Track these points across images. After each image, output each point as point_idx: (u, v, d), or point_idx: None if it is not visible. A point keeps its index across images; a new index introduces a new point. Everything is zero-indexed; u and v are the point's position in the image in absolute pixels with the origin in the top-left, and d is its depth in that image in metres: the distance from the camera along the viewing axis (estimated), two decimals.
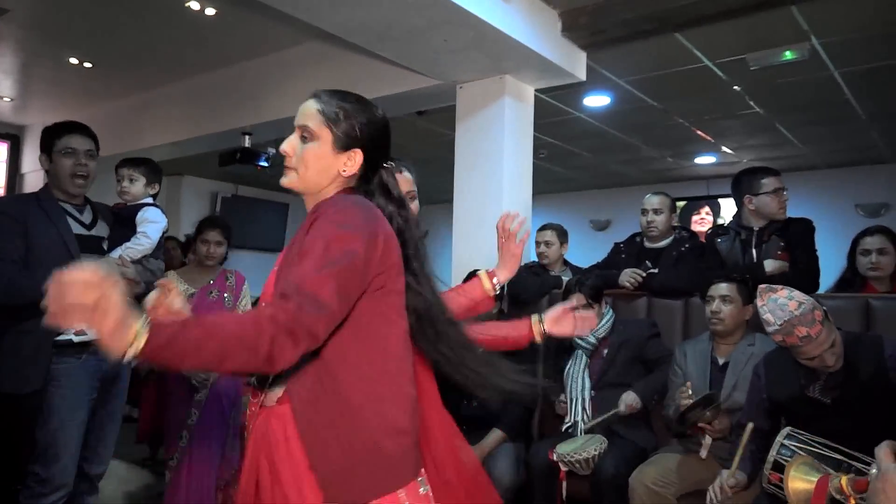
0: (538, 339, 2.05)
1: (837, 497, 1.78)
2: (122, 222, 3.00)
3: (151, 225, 2.99)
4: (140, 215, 3.01)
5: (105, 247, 2.87)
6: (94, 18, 4.53)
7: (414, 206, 2.11)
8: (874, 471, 1.11)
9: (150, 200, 3.15)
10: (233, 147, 5.75)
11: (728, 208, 8.14)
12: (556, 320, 2.07)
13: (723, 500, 2.51)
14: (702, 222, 8.38)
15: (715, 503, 2.52)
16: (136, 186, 3.14)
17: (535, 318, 2.06)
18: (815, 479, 1.86)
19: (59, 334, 2.57)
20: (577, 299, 3.28)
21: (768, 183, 3.45)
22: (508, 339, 2.04)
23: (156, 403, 4.20)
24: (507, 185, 3.97)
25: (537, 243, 4.16)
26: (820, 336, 2.29)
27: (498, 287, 2.11)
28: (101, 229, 2.89)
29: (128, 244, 2.90)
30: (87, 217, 2.84)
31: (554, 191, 9.22)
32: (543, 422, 3.65)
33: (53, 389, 2.58)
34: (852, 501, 1.67)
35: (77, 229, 2.75)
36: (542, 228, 4.16)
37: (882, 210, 7.45)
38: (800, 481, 1.95)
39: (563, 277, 3.87)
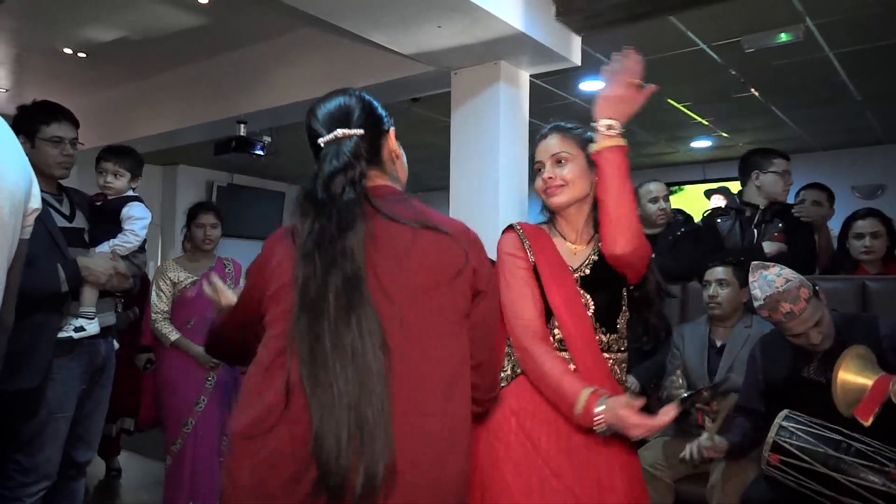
0: None
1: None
2: (106, 216, 2.89)
3: (139, 221, 2.90)
4: (125, 211, 2.90)
5: (86, 238, 2.77)
6: (88, 9, 4.50)
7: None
8: None
9: (132, 194, 3.02)
10: (228, 136, 5.75)
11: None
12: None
13: (699, 461, 2.58)
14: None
15: (695, 460, 2.58)
16: (121, 182, 2.97)
17: None
18: (873, 378, 1.81)
19: (60, 330, 2.52)
20: None
21: (778, 163, 3.55)
22: None
23: (153, 392, 4.22)
24: (503, 171, 3.95)
25: None
26: (804, 313, 2.30)
27: None
28: (80, 220, 2.78)
29: (116, 241, 2.82)
30: (65, 208, 2.74)
31: None
32: None
33: (45, 382, 2.50)
34: None
35: (60, 222, 2.62)
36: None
37: (878, 191, 7.45)
38: (852, 375, 1.89)
39: None
